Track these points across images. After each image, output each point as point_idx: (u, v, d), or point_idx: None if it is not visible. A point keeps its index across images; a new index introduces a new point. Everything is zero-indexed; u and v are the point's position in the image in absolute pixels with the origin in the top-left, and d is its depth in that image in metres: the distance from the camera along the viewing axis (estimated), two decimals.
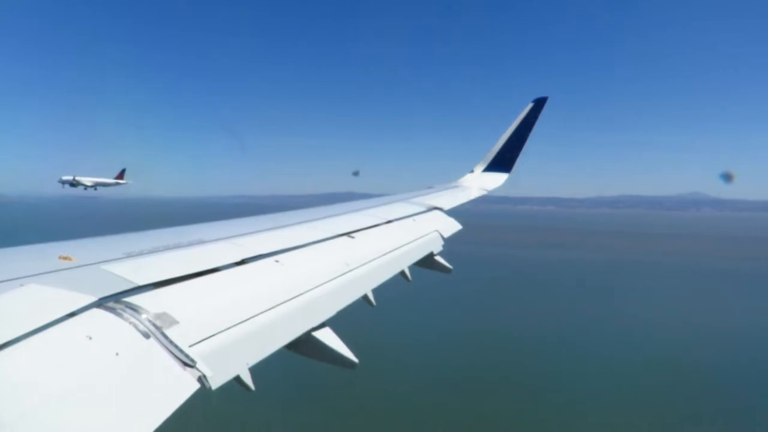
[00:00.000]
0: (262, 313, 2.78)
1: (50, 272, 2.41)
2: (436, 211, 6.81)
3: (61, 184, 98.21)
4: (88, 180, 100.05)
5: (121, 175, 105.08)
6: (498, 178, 9.80)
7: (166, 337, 2.16)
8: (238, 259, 3.22)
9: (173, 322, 2.27)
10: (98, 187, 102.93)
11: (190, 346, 2.21)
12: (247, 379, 2.49)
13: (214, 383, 2.21)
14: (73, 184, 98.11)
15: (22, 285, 2.13)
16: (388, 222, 5.47)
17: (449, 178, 10.08)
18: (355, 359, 3.30)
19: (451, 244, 6.05)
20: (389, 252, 4.69)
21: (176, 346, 2.14)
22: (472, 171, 10.10)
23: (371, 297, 4.05)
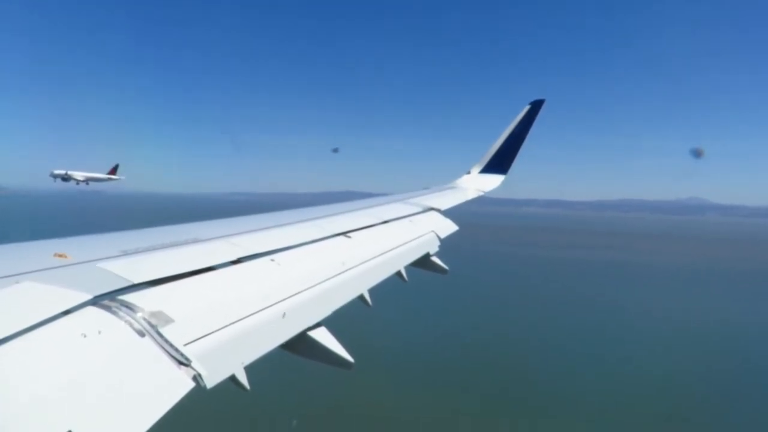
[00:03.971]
0: (257, 312, 2.78)
1: (45, 269, 2.40)
2: (433, 212, 6.82)
3: (52, 178, 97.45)
4: (79, 174, 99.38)
5: (113, 171, 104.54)
6: (494, 180, 9.85)
7: (161, 335, 2.15)
8: (234, 258, 3.21)
9: (168, 320, 2.26)
10: (90, 182, 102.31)
11: (185, 345, 2.21)
12: (243, 379, 2.49)
13: (209, 382, 2.21)
14: (65, 178, 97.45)
15: (16, 282, 2.12)
16: (385, 222, 5.48)
17: (447, 178, 10.11)
18: (350, 359, 3.31)
19: (447, 244, 6.07)
20: (386, 252, 4.70)
21: (171, 345, 2.14)
22: (468, 172, 10.14)
23: (367, 297, 4.06)
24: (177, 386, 2.01)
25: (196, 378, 2.13)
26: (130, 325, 2.10)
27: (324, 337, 3.24)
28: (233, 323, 2.57)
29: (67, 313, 1.99)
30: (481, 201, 8.68)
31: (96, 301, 2.15)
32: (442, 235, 6.14)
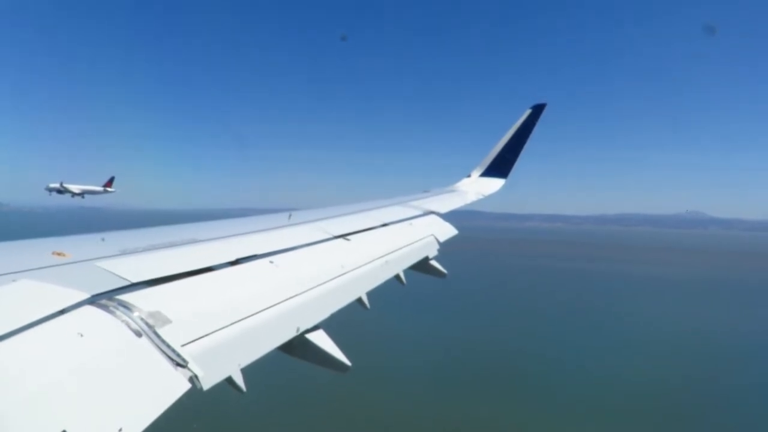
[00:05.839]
0: (255, 314, 2.77)
1: (43, 268, 2.39)
2: (433, 216, 6.80)
3: (48, 192, 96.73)
4: (75, 187, 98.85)
5: (109, 183, 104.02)
6: (495, 184, 9.80)
7: (158, 336, 2.14)
8: (233, 259, 3.20)
9: (166, 321, 2.25)
10: (86, 195, 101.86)
11: (182, 346, 2.20)
12: (239, 380, 2.47)
13: (206, 384, 2.20)
14: (61, 191, 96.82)
15: (14, 280, 2.11)
16: (384, 225, 5.46)
17: (448, 182, 10.07)
18: (347, 362, 3.29)
19: (447, 248, 6.05)
20: (385, 255, 4.68)
21: (168, 346, 2.13)
22: (469, 175, 10.10)
23: (365, 300, 4.04)
24: (173, 387, 2.00)
25: (193, 379, 2.11)
26: (127, 324, 2.09)
27: (322, 339, 3.23)
28: (231, 324, 2.56)
29: (63, 312, 1.99)
30: (483, 216, 8.70)
31: (93, 300, 2.14)
32: (442, 239, 6.11)
